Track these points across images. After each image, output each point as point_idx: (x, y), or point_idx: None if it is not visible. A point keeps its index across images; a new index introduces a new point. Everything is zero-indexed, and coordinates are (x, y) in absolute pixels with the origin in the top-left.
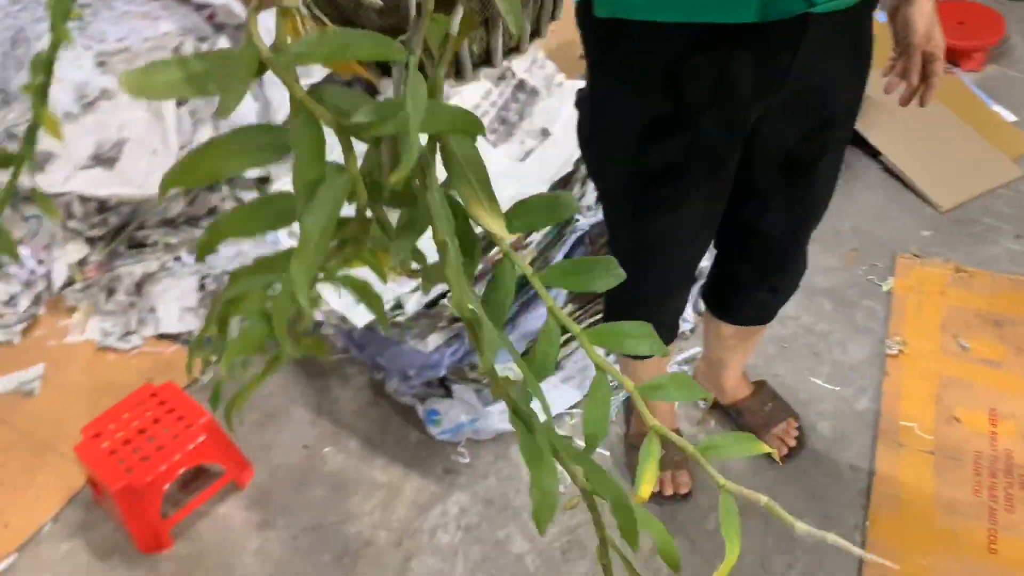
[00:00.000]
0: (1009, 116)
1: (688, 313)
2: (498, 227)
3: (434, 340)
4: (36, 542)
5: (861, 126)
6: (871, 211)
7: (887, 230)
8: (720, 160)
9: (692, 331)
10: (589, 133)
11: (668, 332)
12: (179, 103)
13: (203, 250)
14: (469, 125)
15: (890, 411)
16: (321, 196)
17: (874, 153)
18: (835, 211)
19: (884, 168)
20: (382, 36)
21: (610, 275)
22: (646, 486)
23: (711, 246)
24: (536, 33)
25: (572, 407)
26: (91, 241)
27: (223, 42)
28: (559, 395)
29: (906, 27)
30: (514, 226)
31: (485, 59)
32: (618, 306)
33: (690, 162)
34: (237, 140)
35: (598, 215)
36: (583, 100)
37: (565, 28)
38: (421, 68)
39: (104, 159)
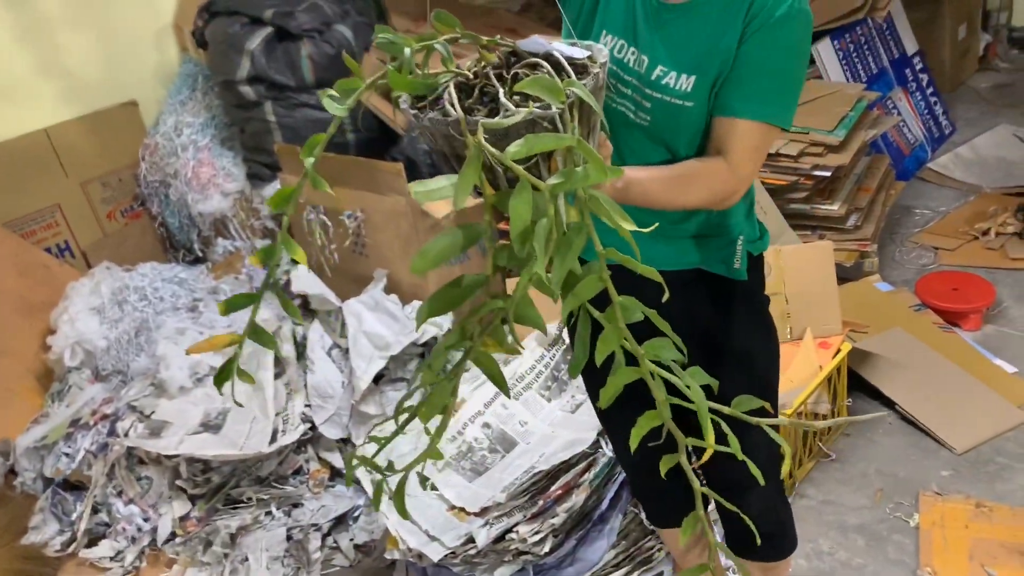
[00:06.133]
0: (1010, 368)
1: None
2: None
3: (500, 573)
4: None
5: (875, 379)
6: (892, 454)
7: (909, 471)
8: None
9: None
10: None
11: (660, 503)
12: (277, 376)
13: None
14: None
15: None
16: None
17: (890, 403)
18: (861, 455)
19: (901, 416)
20: None
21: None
22: None
23: None
24: None
25: None
26: (193, 499)
27: (315, 326)
28: None
29: None
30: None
31: None
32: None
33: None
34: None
35: None
36: None
37: None
38: None
39: (211, 425)
